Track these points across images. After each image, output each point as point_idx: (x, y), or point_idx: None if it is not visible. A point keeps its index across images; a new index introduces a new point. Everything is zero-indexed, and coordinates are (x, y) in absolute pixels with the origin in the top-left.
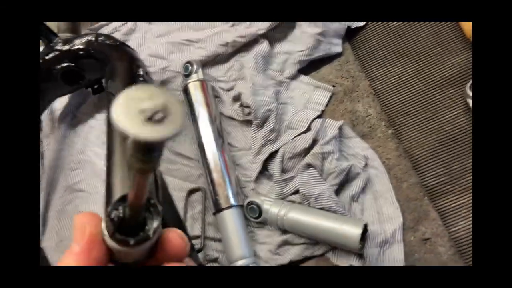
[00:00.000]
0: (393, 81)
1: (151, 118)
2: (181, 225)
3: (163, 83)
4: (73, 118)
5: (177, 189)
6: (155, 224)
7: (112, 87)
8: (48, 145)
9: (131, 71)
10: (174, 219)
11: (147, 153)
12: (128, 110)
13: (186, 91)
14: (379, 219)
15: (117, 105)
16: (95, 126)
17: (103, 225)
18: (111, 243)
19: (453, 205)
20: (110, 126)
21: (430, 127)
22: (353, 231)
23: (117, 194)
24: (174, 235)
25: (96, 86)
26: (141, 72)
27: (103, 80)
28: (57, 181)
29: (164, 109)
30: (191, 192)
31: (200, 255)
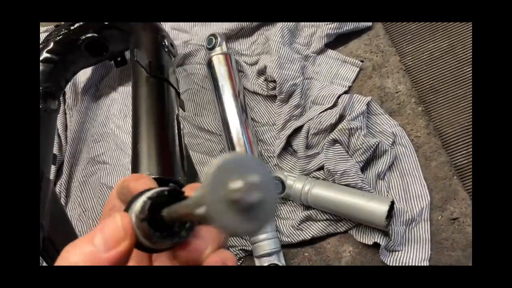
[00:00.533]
0: (424, 57)
1: (241, 204)
2: None
3: (186, 56)
4: (96, 91)
5: (199, 163)
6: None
7: (138, 55)
8: (71, 117)
9: (156, 40)
10: None
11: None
12: (219, 184)
13: (209, 64)
14: (405, 198)
15: (208, 177)
16: (117, 99)
17: (134, 221)
18: (143, 240)
19: None
20: (136, 97)
21: (461, 105)
22: (380, 208)
23: (144, 163)
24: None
25: (119, 59)
26: (166, 43)
27: (126, 53)
28: (80, 153)
29: (256, 191)
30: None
31: None
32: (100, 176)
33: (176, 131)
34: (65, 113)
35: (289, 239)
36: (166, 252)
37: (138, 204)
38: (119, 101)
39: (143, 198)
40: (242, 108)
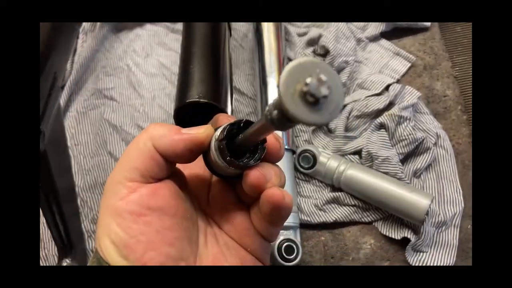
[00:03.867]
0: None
1: (310, 98)
2: None
3: None
4: (118, 23)
5: None
6: (259, 155)
7: None
8: (83, 42)
9: None
10: None
11: (290, 122)
12: (291, 83)
13: (258, 29)
14: (439, 200)
15: (284, 74)
16: (142, 36)
17: (213, 143)
18: (217, 160)
19: None
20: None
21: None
22: (422, 201)
23: (195, 81)
24: (271, 138)
25: None
26: None
27: None
28: (84, 82)
29: (325, 87)
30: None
31: None
32: (103, 111)
33: (228, 63)
34: (77, 37)
35: (309, 219)
36: (225, 183)
37: (219, 130)
38: (144, 39)
39: (223, 125)
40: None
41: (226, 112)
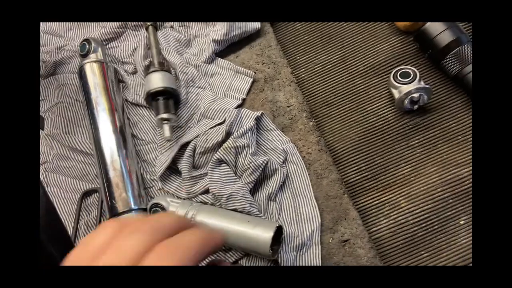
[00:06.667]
0: (317, 69)
1: None
2: (66, 240)
3: (58, 64)
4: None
5: (70, 190)
6: None
7: None
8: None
9: None
10: (57, 232)
11: None
12: None
13: (81, 73)
14: (297, 220)
15: None
16: None
17: None
18: None
19: (374, 202)
20: None
21: (353, 119)
22: (264, 236)
23: None
24: None
25: None
26: None
27: None
28: None
29: None
30: (87, 194)
31: None
32: None
33: None
34: None
35: None
36: None
37: None
38: None
39: None
40: (120, 124)
41: None
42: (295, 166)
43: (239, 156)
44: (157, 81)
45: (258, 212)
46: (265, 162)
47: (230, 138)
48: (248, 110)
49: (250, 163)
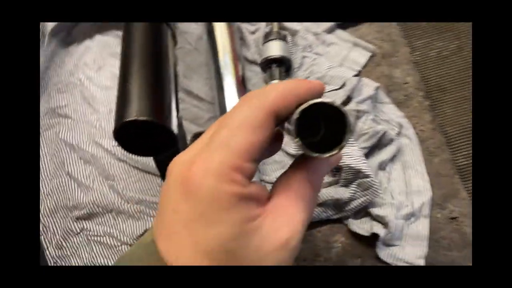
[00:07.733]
0: (433, 54)
1: None
2: None
3: None
4: (67, 36)
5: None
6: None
7: None
8: None
9: None
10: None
11: None
12: None
13: (210, 31)
14: (406, 191)
15: None
16: (92, 48)
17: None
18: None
19: None
20: (127, 32)
21: (464, 107)
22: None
23: (133, 98)
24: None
25: None
26: None
27: None
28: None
29: None
30: (196, 136)
31: None
32: (58, 131)
33: (173, 74)
34: None
35: None
36: None
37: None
38: (95, 50)
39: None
40: (242, 79)
41: (170, 129)
42: (408, 140)
43: (359, 120)
44: (273, 49)
45: (373, 176)
46: (383, 130)
47: (352, 101)
48: (368, 79)
49: (370, 128)
